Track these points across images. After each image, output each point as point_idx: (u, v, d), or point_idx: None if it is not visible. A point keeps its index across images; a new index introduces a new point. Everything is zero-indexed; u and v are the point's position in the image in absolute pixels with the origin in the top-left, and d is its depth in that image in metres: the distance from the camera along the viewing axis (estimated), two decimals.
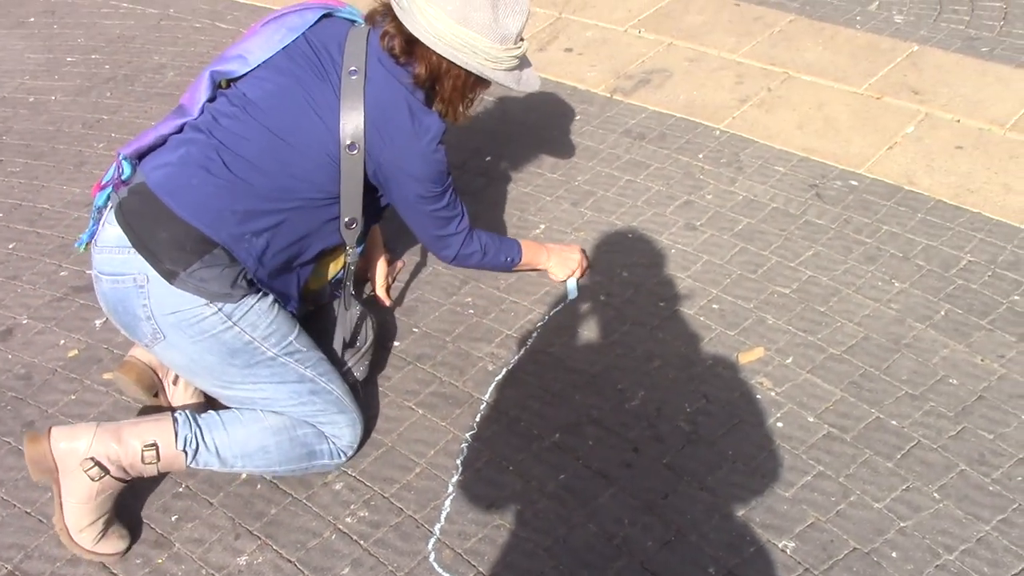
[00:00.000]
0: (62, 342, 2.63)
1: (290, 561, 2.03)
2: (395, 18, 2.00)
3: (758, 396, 2.28)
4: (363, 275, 2.58)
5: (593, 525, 2.04)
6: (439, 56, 2.00)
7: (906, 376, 2.29)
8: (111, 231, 1.96)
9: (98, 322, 2.67)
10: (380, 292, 2.57)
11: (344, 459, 2.18)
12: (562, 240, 2.78)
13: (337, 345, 2.24)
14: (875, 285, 2.54)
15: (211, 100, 2.06)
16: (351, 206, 2.09)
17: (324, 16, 2.13)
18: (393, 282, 2.65)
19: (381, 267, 2.56)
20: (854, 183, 2.90)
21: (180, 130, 2.05)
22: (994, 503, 2.00)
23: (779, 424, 2.21)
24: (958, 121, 3.12)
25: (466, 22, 1.96)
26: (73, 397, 2.47)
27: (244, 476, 2.21)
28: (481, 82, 2.11)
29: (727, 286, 2.58)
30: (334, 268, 2.27)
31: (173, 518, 2.15)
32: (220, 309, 1.95)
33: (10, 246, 3.01)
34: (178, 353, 2.01)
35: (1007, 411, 2.19)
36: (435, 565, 1.99)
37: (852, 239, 2.70)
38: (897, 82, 3.33)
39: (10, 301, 2.79)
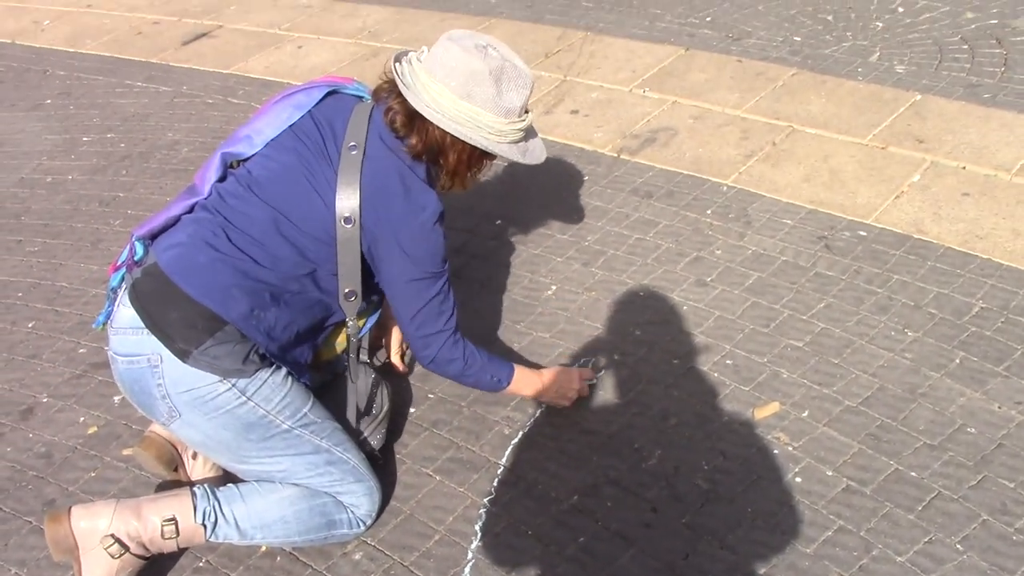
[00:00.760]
0: (82, 419, 2.66)
1: None
2: (400, 94, 2.05)
3: (775, 451, 2.28)
4: (378, 343, 2.60)
5: None
6: (442, 131, 2.04)
7: (923, 426, 2.28)
8: (125, 312, 2.00)
9: (116, 399, 2.70)
10: (395, 359, 2.58)
11: (363, 528, 2.18)
12: (574, 300, 2.80)
13: (351, 415, 2.25)
14: (888, 335, 2.54)
15: (221, 180, 2.11)
16: (349, 279, 2.11)
17: (330, 93, 2.18)
18: (407, 349, 2.67)
19: (396, 335, 2.58)
20: (863, 233, 2.92)
21: (191, 210, 2.09)
22: (1018, 553, 1.98)
23: (798, 479, 2.20)
24: (964, 168, 3.14)
25: (469, 97, 1.99)
26: (93, 474, 2.48)
27: (263, 548, 2.21)
28: (487, 155, 2.14)
29: (740, 341, 2.59)
30: (343, 340, 2.28)
31: None
32: (234, 385, 1.97)
33: (29, 325, 3.06)
34: (194, 430, 2.02)
35: None
36: None
37: (863, 289, 2.70)
38: (901, 132, 3.36)
39: (30, 380, 2.82)
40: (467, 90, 1.99)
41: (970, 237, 2.85)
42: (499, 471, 2.33)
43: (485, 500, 2.26)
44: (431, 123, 2.03)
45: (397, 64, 2.08)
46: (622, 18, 4.55)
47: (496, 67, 2.00)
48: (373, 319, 2.31)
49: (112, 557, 2.00)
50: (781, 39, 4.15)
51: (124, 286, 2.05)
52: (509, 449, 2.38)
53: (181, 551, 2.19)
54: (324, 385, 2.31)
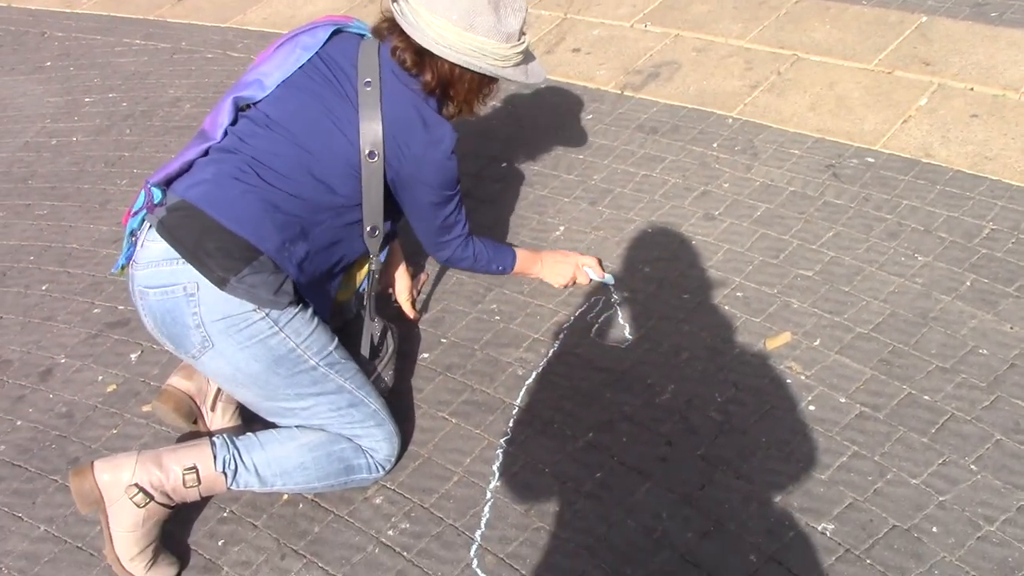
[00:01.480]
0: (100, 378, 2.69)
1: None
2: (402, 32, 2.09)
3: (788, 381, 2.29)
4: (386, 290, 2.61)
5: (632, 521, 2.05)
6: (451, 64, 2.09)
7: (935, 350, 2.29)
8: (154, 247, 2.02)
9: (134, 356, 2.72)
10: (405, 306, 2.60)
11: (382, 472, 2.21)
12: (582, 240, 2.80)
13: (365, 350, 2.31)
14: (898, 261, 2.54)
15: (233, 123, 2.13)
16: (373, 214, 2.17)
17: (335, 33, 2.20)
18: (418, 295, 2.68)
19: (404, 281, 2.59)
20: (870, 160, 2.90)
21: (205, 154, 2.11)
22: None
23: (811, 407, 2.22)
24: (971, 89, 3.10)
25: (472, 28, 2.05)
26: (115, 431, 2.52)
27: (285, 497, 2.25)
28: (493, 80, 2.22)
29: (750, 273, 2.59)
30: (359, 277, 2.35)
31: (220, 543, 2.19)
32: (267, 314, 2.01)
33: (43, 287, 3.08)
34: (224, 361, 2.05)
35: None
36: (478, 571, 2.02)
37: (872, 216, 2.69)
38: (907, 55, 3.32)
39: (47, 342, 2.85)
40: (469, 21, 2.04)
41: (979, 159, 2.82)
42: (514, 411, 2.35)
43: (501, 440, 2.28)
44: (440, 58, 2.08)
45: (395, 3, 2.10)
46: None
47: None
48: (384, 254, 2.37)
49: (138, 506, 2.04)
50: None
51: (147, 226, 2.07)
52: (523, 390, 2.40)
53: (205, 500, 2.23)
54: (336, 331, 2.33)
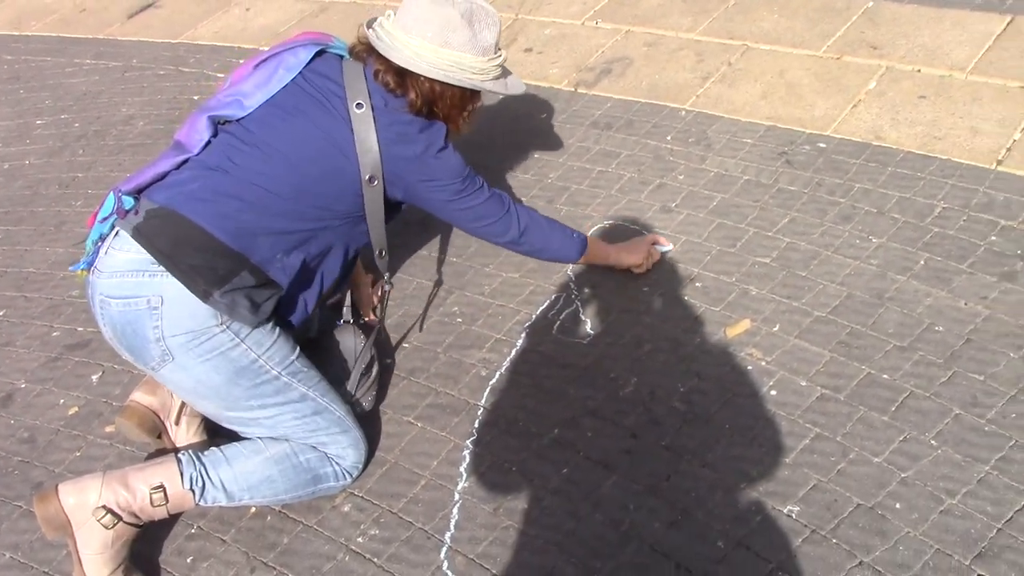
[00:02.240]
0: (62, 401, 2.66)
1: None
2: (380, 55, 2.11)
3: (749, 367, 2.30)
4: (345, 299, 2.61)
5: (600, 514, 2.06)
6: (431, 81, 2.11)
7: (893, 329, 2.31)
8: (121, 256, 1.99)
9: (95, 377, 2.70)
10: (366, 312, 2.59)
11: (350, 479, 2.21)
12: None
13: (353, 377, 2.31)
14: (853, 243, 2.56)
15: (215, 137, 2.11)
16: (378, 238, 2.25)
17: (317, 54, 2.18)
18: (378, 303, 2.68)
19: (365, 288, 2.58)
20: (822, 145, 2.92)
21: (181, 165, 2.09)
22: (991, 443, 2.02)
23: (772, 392, 2.23)
24: (919, 71, 3.14)
25: (448, 44, 2.08)
26: (78, 454, 2.49)
27: (253, 510, 2.23)
28: (475, 95, 2.24)
29: (708, 263, 2.61)
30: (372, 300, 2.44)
31: (188, 559, 2.17)
32: (229, 327, 2.00)
33: (0, 313, 3.04)
34: (185, 374, 2.03)
35: (995, 351, 2.20)
36: (449, 573, 2.02)
37: (826, 201, 2.72)
38: (855, 40, 3.35)
39: (6, 367, 2.82)
40: (444, 37, 2.07)
41: (928, 139, 2.86)
42: (479, 412, 2.35)
43: (468, 442, 2.28)
44: (421, 76, 2.10)
45: (370, 30, 2.13)
46: None
47: (466, 10, 2.09)
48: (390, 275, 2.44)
49: (106, 528, 2.02)
50: None
51: (114, 233, 2.03)
52: (487, 390, 2.40)
53: (173, 518, 2.21)
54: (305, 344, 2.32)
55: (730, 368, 2.31)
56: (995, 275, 2.38)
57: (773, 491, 2.03)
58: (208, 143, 2.10)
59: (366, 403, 2.34)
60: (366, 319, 2.62)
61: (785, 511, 1.99)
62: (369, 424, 2.36)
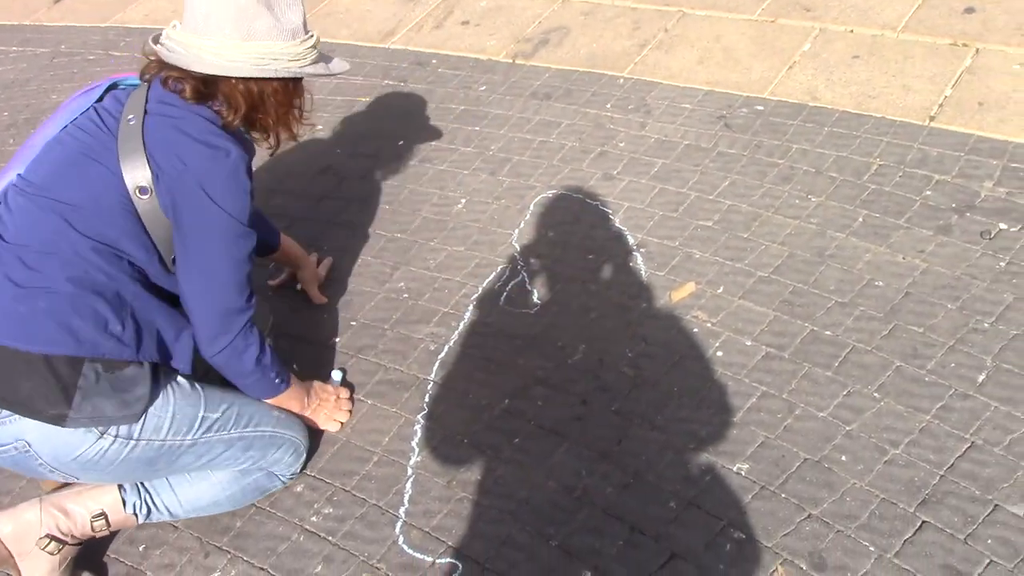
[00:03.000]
0: None
1: (262, 569, 2.04)
2: (177, 68, 1.86)
3: (695, 330, 2.32)
4: (291, 279, 2.59)
5: (553, 482, 2.07)
6: (246, 81, 1.88)
7: (834, 286, 2.35)
8: None
9: None
10: (312, 291, 2.57)
11: (296, 475, 2.19)
12: (484, 211, 2.80)
13: None
14: (793, 204, 2.59)
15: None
16: (167, 249, 1.92)
17: (110, 88, 1.99)
18: (324, 280, 2.66)
19: (309, 266, 2.56)
20: (760, 108, 2.95)
21: None
22: (932, 392, 2.07)
23: (719, 353, 2.26)
24: (851, 31, 3.17)
25: (251, 35, 1.83)
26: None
27: None
28: (297, 86, 1.99)
29: (651, 228, 2.62)
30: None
31: (141, 548, 2.15)
32: (116, 435, 1.82)
33: None
34: (101, 478, 1.93)
35: (933, 303, 2.25)
36: (405, 547, 2.02)
37: (765, 163, 2.74)
38: (789, 3, 3.38)
39: None
40: (246, 29, 1.82)
41: (863, 98, 2.89)
42: (429, 387, 2.34)
43: (419, 416, 2.28)
44: (230, 79, 1.86)
45: (158, 45, 1.89)
46: None
47: None
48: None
49: (52, 555, 1.95)
50: None
51: None
52: (436, 364, 2.39)
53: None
54: None
55: (676, 331, 2.33)
56: (931, 229, 2.43)
57: (722, 450, 2.05)
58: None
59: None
60: (317, 301, 2.59)
61: (734, 469, 2.01)
62: None
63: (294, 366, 2.38)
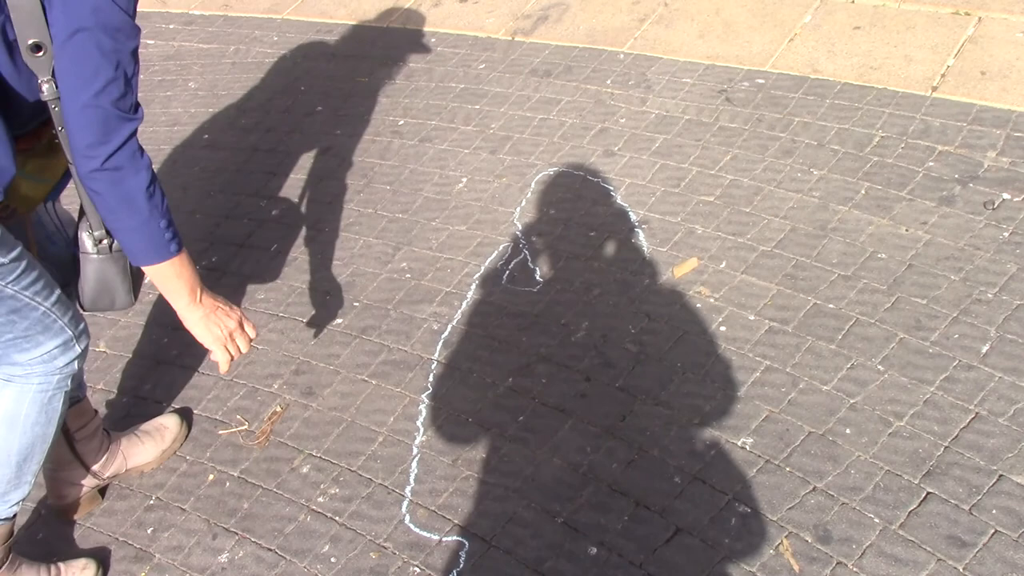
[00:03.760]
0: None
1: (270, 550, 2.05)
2: None
3: (698, 305, 2.32)
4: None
5: (558, 459, 2.08)
6: None
7: (836, 259, 2.34)
8: None
9: None
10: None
11: (63, 386, 1.88)
12: (486, 189, 2.79)
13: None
14: (795, 177, 2.58)
15: None
16: (30, 25, 1.55)
17: None
18: None
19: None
20: (761, 81, 2.93)
21: None
22: (936, 364, 2.06)
23: (722, 328, 2.26)
24: (853, 2, 3.15)
25: None
26: None
27: (211, 477, 2.22)
28: None
29: (653, 204, 2.61)
30: (57, 167, 1.81)
31: (149, 530, 2.16)
32: None
33: None
34: None
35: (936, 274, 2.24)
36: (411, 526, 2.02)
37: (767, 136, 2.73)
38: None
39: None
40: None
41: (865, 70, 2.88)
42: (433, 366, 2.35)
43: (423, 396, 2.28)
44: None
45: None
46: None
47: None
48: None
49: None
50: None
51: None
52: (440, 344, 2.39)
53: (130, 490, 2.19)
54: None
55: (680, 307, 2.33)
56: (934, 200, 2.42)
57: (726, 425, 2.06)
58: None
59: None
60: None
61: (739, 443, 2.02)
62: (323, 384, 2.36)
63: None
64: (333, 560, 2.00)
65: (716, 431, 2.05)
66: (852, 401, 2.04)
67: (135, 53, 1.62)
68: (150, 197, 1.66)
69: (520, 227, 2.65)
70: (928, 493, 1.85)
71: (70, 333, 1.83)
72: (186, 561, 2.08)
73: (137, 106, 1.64)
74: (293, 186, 3.02)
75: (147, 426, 2.30)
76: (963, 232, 2.32)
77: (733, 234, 2.47)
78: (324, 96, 3.39)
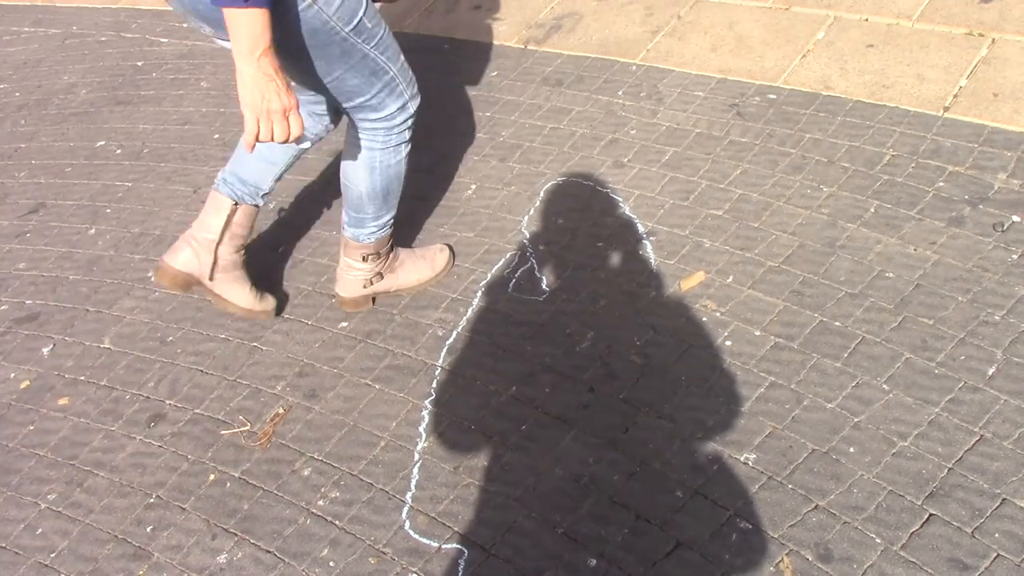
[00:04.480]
0: (12, 375, 2.62)
1: (269, 552, 2.05)
2: None
3: (704, 319, 2.32)
4: None
5: (560, 469, 2.07)
6: None
7: (844, 277, 2.34)
8: None
9: (46, 350, 2.66)
10: None
11: (402, 141, 2.35)
12: (495, 197, 2.80)
13: None
14: (804, 193, 2.58)
15: None
16: None
17: None
18: None
19: None
20: (772, 96, 2.93)
21: None
22: (941, 385, 2.06)
23: (727, 343, 2.25)
24: (866, 20, 3.15)
25: None
26: (31, 427, 2.46)
27: (212, 477, 2.22)
28: None
29: (661, 217, 2.61)
30: None
31: (148, 529, 2.16)
32: None
33: None
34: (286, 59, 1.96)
35: (944, 295, 2.23)
36: (411, 532, 2.02)
37: (777, 152, 2.73)
38: None
39: None
40: None
41: (877, 88, 2.87)
42: (437, 372, 2.34)
43: (426, 402, 2.28)
44: None
45: None
46: None
47: None
48: None
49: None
50: None
51: None
52: (444, 350, 2.39)
53: (131, 487, 2.19)
54: None
55: (685, 320, 2.33)
56: (943, 220, 2.41)
57: (730, 440, 2.05)
58: None
59: None
60: None
61: (741, 459, 2.01)
62: (326, 388, 2.36)
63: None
64: (332, 564, 2.00)
65: (719, 446, 2.04)
66: (856, 420, 2.03)
67: None
68: None
69: (527, 235, 2.65)
70: (931, 515, 1.85)
71: (407, 97, 2.26)
72: (184, 561, 2.07)
73: None
74: (302, 188, 3.02)
75: (422, 251, 2.61)
76: (972, 253, 2.31)
77: (741, 248, 2.47)
78: None
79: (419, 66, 3.42)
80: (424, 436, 2.21)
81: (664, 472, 2.02)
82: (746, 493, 1.95)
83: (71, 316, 2.76)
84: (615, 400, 2.18)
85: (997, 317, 2.16)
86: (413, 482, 2.12)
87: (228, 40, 1.85)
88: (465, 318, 2.46)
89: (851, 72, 2.95)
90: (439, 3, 3.80)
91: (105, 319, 2.71)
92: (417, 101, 2.30)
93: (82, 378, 2.56)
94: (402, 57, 2.20)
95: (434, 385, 2.32)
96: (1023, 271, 2.25)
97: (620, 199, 2.69)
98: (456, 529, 2.01)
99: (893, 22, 3.11)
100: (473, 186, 2.87)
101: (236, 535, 2.10)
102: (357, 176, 2.34)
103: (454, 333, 2.43)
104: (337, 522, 2.08)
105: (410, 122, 2.32)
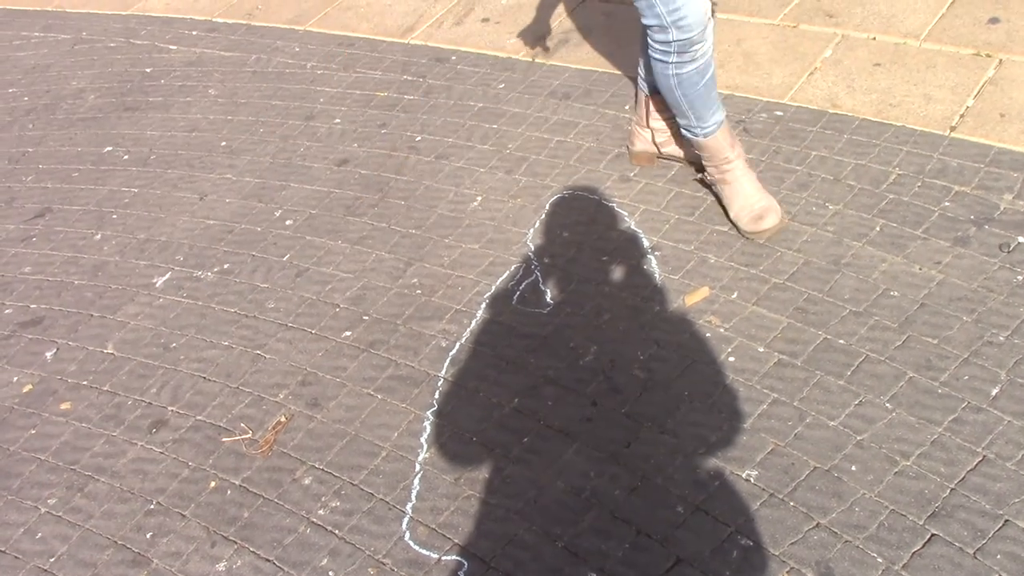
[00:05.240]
0: (15, 379, 2.62)
1: (268, 560, 2.05)
2: None
3: (708, 335, 2.32)
4: None
5: (561, 482, 2.07)
6: None
7: (848, 295, 2.33)
8: None
9: (49, 355, 2.66)
10: None
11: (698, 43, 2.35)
12: (500, 209, 2.80)
13: None
14: (810, 211, 2.58)
15: None
16: None
17: None
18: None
19: None
20: (779, 113, 2.93)
21: None
22: (944, 405, 2.05)
23: (731, 359, 2.25)
24: (874, 39, 3.15)
25: None
26: (33, 432, 2.46)
27: (213, 484, 2.22)
28: None
29: (666, 232, 2.61)
30: None
31: (148, 535, 2.16)
32: None
33: None
34: None
35: (949, 315, 2.23)
36: (411, 543, 2.02)
37: (783, 168, 2.73)
38: (811, 8, 3.36)
39: None
40: None
41: (884, 107, 2.88)
42: (439, 383, 2.34)
43: (428, 413, 2.28)
44: None
45: None
46: None
47: None
48: None
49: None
50: None
51: None
52: (447, 361, 2.39)
53: (138, 487, 2.19)
54: None
55: (689, 335, 2.32)
56: (948, 240, 2.41)
57: (732, 456, 2.05)
58: None
59: None
60: None
61: (743, 475, 2.01)
62: (328, 397, 2.36)
63: None
64: (331, 574, 1.99)
65: (721, 462, 2.04)
66: (859, 438, 2.02)
67: None
68: None
69: (532, 248, 2.65)
70: (932, 535, 1.84)
71: (665, 22, 2.29)
72: (184, 568, 2.07)
73: None
74: (308, 196, 3.03)
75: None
76: (977, 273, 2.31)
77: (746, 265, 2.47)
78: (342, 109, 3.40)
79: (427, 78, 3.44)
80: (425, 447, 2.21)
81: (666, 487, 2.01)
82: (747, 510, 1.94)
83: (75, 321, 2.77)
84: (617, 414, 2.18)
85: (1002, 338, 2.16)
86: (414, 493, 2.12)
87: None
88: (469, 329, 2.46)
89: (858, 90, 2.95)
90: (448, 15, 3.81)
91: (109, 324, 2.72)
92: (684, 33, 2.31)
93: (84, 383, 2.57)
94: None
95: (436, 396, 2.32)
96: None
97: (626, 213, 2.70)
98: (456, 541, 2.00)
99: (901, 41, 3.11)
100: (479, 198, 2.87)
101: (236, 543, 2.10)
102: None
103: (457, 344, 2.43)
104: (337, 532, 2.08)
105: (674, 45, 2.34)
